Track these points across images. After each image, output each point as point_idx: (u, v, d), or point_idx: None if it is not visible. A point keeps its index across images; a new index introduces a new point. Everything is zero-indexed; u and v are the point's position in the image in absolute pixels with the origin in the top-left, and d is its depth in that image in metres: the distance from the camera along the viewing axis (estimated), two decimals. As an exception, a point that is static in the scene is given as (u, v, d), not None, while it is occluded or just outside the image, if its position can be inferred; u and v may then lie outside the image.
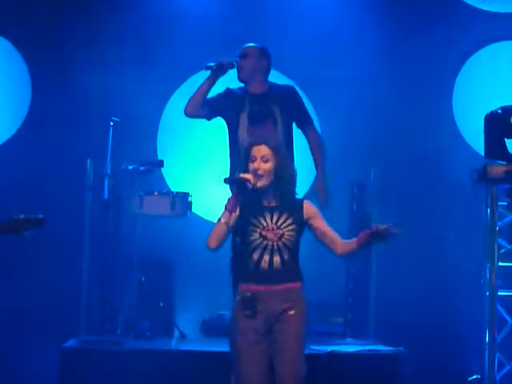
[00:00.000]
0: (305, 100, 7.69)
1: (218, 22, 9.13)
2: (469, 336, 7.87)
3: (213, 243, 5.64)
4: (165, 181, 8.95)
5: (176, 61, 9.06)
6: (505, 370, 7.34)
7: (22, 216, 5.37)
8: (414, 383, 7.30)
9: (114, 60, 8.93)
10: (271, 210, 5.66)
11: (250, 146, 5.72)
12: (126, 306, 7.97)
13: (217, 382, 6.86)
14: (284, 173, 5.70)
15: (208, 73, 7.23)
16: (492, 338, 7.30)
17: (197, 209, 8.43)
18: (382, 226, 5.51)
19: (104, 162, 7.99)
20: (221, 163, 7.57)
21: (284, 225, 5.59)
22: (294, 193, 5.78)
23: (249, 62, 7.28)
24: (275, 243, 5.63)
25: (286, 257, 5.63)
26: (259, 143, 5.70)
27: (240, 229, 5.66)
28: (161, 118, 9.28)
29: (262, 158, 5.60)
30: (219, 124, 7.57)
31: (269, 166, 5.57)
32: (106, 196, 7.89)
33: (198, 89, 7.31)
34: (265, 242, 5.60)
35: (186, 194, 8.27)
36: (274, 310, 5.51)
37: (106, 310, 7.80)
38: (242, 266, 5.72)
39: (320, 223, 5.72)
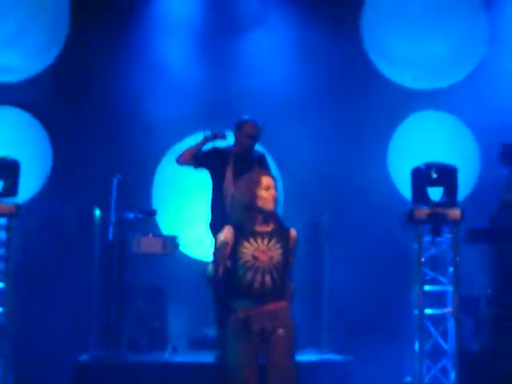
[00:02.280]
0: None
1: (207, 92, 8.99)
2: (403, 345, 7.62)
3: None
4: (158, 225, 8.90)
5: (169, 125, 8.93)
6: (432, 373, 7.38)
7: None
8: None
9: (117, 125, 8.87)
10: (263, 235, 5.48)
11: (260, 175, 5.58)
12: (128, 326, 7.99)
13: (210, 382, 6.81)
14: (278, 202, 5.60)
15: (201, 135, 7.41)
16: (421, 347, 7.36)
17: (183, 248, 8.45)
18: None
19: (108, 211, 7.97)
20: (202, 210, 7.53)
21: (273, 248, 5.44)
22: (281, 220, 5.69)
23: (253, 142, 7.41)
24: (266, 265, 5.45)
25: (275, 277, 5.44)
26: (267, 174, 5.63)
27: (233, 251, 5.48)
28: (155, 173, 9.22)
29: (272, 186, 5.49)
30: (201, 179, 7.64)
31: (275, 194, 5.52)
32: (110, 238, 7.94)
33: (191, 146, 7.41)
34: (257, 264, 5.43)
35: (175, 237, 8.32)
36: (265, 329, 5.37)
37: (111, 330, 7.83)
38: (235, 286, 5.50)
39: (290, 259, 5.57)
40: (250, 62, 9.12)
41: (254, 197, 5.40)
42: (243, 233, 5.42)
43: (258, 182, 5.47)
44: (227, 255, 5.42)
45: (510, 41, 9.19)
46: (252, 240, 5.40)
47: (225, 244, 5.39)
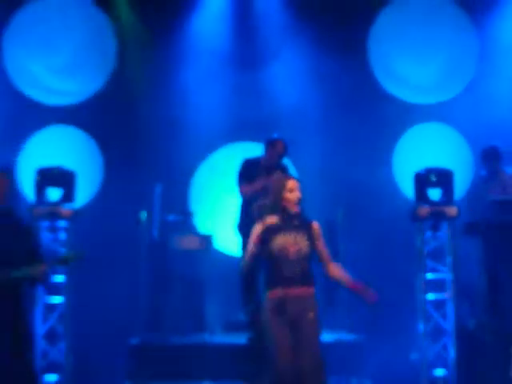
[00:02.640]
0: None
1: (235, 112, 9.14)
2: (409, 326, 7.78)
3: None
4: (195, 225, 8.99)
5: (204, 139, 9.10)
6: (434, 350, 7.47)
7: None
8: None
9: (159, 139, 9.04)
10: (291, 230, 5.54)
11: (286, 179, 5.66)
12: (171, 312, 8.05)
13: (235, 362, 6.98)
14: (301, 201, 5.65)
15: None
16: (424, 327, 7.52)
17: (216, 245, 8.55)
18: (366, 291, 5.47)
19: (153, 214, 8.30)
20: (233, 212, 7.73)
21: (301, 240, 5.51)
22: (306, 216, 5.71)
23: (282, 158, 7.57)
24: (295, 256, 5.50)
25: (304, 266, 5.51)
26: (291, 178, 5.71)
27: (266, 246, 5.53)
28: (192, 180, 9.40)
29: (296, 188, 5.56)
30: (232, 185, 7.75)
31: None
32: (155, 237, 8.28)
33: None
34: (288, 256, 5.49)
35: (210, 235, 8.39)
36: (296, 312, 5.41)
37: (157, 315, 7.99)
38: (270, 276, 5.57)
39: (320, 245, 5.59)
40: (272, 87, 9.18)
41: (280, 198, 5.52)
42: (273, 229, 5.49)
43: (283, 186, 5.56)
44: (258, 248, 5.52)
45: (497, 60, 9.25)
46: (282, 235, 5.47)
47: (256, 238, 5.51)
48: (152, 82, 9.17)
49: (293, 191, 5.57)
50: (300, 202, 5.59)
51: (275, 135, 7.65)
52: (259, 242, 5.52)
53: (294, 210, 5.55)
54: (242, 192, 7.50)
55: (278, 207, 5.54)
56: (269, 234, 5.50)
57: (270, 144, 7.58)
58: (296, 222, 5.58)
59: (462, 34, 9.45)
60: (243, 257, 5.80)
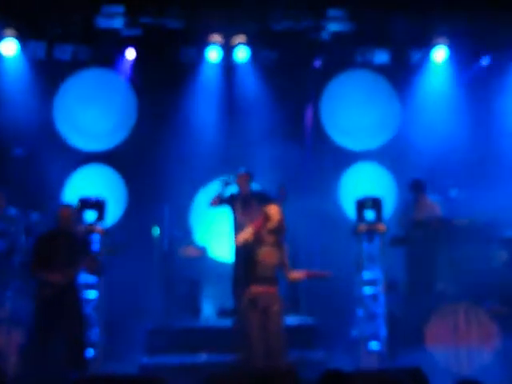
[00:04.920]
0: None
1: (224, 148, 8.89)
2: (351, 312, 7.57)
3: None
4: (194, 239, 8.93)
5: (202, 170, 8.92)
6: (370, 330, 7.33)
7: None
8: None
9: (167, 172, 8.73)
10: (266, 245, 5.44)
11: (264, 214, 5.52)
12: (177, 303, 8.07)
13: (224, 339, 6.86)
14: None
15: (219, 184, 7.42)
16: (363, 313, 7.37)
17: (211, 253, 8.58)
18: (321, 273, 5.54)
19: (163, 229, 8.31)
20: (224, 229, 7.71)
21: (272, 254, 5.44)
22: None
23: (247, 185, 7.49)
24: (268, 263, 5.46)
25: (272, 271, 5.45)
26: (268, 207, 5.58)
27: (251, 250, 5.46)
28: (193, 203, 9.24)
29: (272, 214, 5.49)
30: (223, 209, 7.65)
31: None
32: (165, 247, 8.26)
33: (216, 195, 7.39)
34: (263, 263, 5.43)
35: (205, 247, 8.47)
36: (266, 303, 5.37)
37: (167, 305, 7.94)
38: (254, 273, 5.49)
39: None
40: (248, 133, 8.89)
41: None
42: (256, 244, 5.46)
43: (265, 219, 5.49)
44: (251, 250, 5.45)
45: (414, 117, 9.12)
46: (266, 248, 5.46)
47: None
48: (163, 130, 8.98)
49: (270, 218, 5.51)
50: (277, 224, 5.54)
51: (240, 169, 7.57)
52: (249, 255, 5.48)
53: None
54: (211, 204, 7.45)
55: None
56: (253, 247, 5.44)
57: (237, 177, 7.53)
58: (272, 238, 5.51)
59: (388, 99, 9.39)
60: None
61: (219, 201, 7.44)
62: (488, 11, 7.38)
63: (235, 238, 5.75)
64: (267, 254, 5.49)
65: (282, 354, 5.36)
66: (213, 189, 7.85)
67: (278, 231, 5.54)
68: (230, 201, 7.54)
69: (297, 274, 5.61)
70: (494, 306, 7.05)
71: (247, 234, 5.48)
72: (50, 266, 6.09)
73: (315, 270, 5.68)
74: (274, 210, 5.54)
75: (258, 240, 5.49)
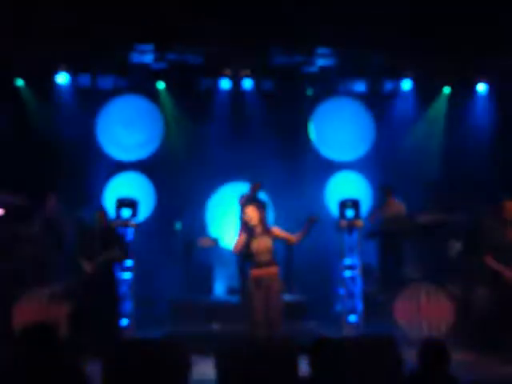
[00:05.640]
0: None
1: (231, 158, 8.62)
2: (334, 290, 7.68)
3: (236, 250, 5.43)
4: (209, 232, 8.80)
5: (215, 176, 8.80)
6: (348, 305, 7.24)
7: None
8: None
9: (188, 178, 8.62)
10: (261, 234, 5.37)
11: (246, 208, 5.49)
12: (196, 282, 7.93)
13: (232, 312, 6.87)
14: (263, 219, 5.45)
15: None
16: (344, 291, 7.30)
17: (222, 243, 8.40)
18: (310, 222, 5.25)
19: (184, 225, 8.35)
20: (234, 225, 7.54)
21: (267, 240, 5.37)
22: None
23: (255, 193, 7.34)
24: (265, 249, 5.36)
25: (271, 255, 5.37)
26: (252, 205, 5.55)
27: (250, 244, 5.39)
28: (208, 203, 9.07)
29: (257, 211, 5.41)
30: (234, 208, 7.64)
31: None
32: (186, 238, 8.29)
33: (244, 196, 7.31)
34: (261, 250, 5.37)
35: (217, 238, 8.36)
36: (267, 283, 5.27)
37: (187, 284, 7.91)
38: (251, 260, 5.43)
39: (280, 234, 5.41)
40: (252, 150, 8.67)
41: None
42: (253, 235, 5.43)
43: (245, 220, 5.44)
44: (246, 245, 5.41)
45: (386, 135, 8.98)
46: (257, 239, 5.40)
47: (242, 239, 5.41)
48: (184, 145, 8.89)
49: (254, 215, 5.42)
50: (261, 219, 5.44)
51: (255, 181, 7.59)
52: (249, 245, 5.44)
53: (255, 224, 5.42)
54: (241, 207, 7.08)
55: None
56: (250, 237, 5.40)
57: (251, 186, 7.59)
58: (261, 228, 5.46)
59: (365, 120, 9.25)
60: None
61: (246, 201, 7.21)
62: (448, 51, 7.43)
63: (233, 247, 5.58)
64: (260, 243, 5.41)
65: (280, 324, 5.30)
66: (242, 191, 7.71)
67: (261, 223, 5.45)
68: (240, 200, 7.51)
69: (298, 235, 5.45)
70: (450, 288, 6.97)
71: (236, 243, 5.45)
72: (89, 254, 6.19)
73: (304, 228, 5.41)
74: (249, 211, 5.46)
75: (250, 234, 5.41)
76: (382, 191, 8.12)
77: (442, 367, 3.47)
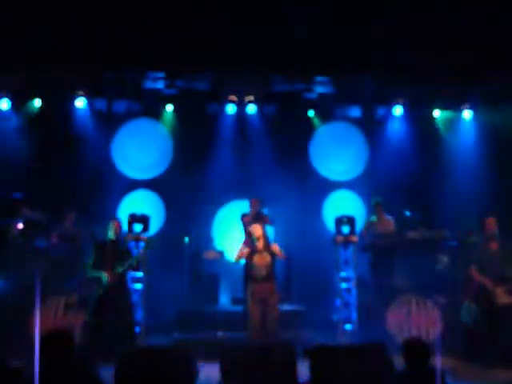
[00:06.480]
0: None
1: (237, 177, 8.62)
2: (331, 301, 7.57)
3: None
4: (215, 245, 8.74)
5: (222, 193, 8.75)
6: (345, 314, 7.25)
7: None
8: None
9: (197, 197, 8.58)
10: (261, 251, 5.43)
11: (252, 227, 5.64)
12: (201, 292, 7.90)
13: (235, 321, 6.82)
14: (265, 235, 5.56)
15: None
16: (340, 302, 7.36)
17: (227, 256, 8.35)
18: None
19: (191, 239, 8.22)
20: (238, 238, 7.45)
21: (266, 256, 5.45)
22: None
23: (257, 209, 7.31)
24: (264, 264, 5.51)
25: (269, 271, 5.46)
26: (256, 224, 5.68)
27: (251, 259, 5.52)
28: (215, 218, 9.08)
29: (260, 230, 5.56)
30: (238, 223, 7.60)
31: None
32: (193, 251, 8.15)
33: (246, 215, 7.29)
34: (260, 264, 5.51)
35: (222, 251, 8.34)
36: (264, 296, 5.42)
37: (194, 294, 7.83)
38: (250, 275, 5.61)
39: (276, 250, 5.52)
40: (255, 169, 8.70)
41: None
42: (254, 250, 5.67)
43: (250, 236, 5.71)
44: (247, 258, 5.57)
45: (379, 157, 9.04)
46: (257, 254, 5.59)
47: (244, 252, 5.60)
48: (193, 164, 8.80)
49: (257, 232, 5.60)
50: (262, 236, 5.60)
51: (253, 197, 7.56)
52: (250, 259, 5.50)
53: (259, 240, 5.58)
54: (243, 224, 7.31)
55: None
56: (251, 253, 5.49)
57: (250, 202, 7.52)
58: (262, 245, 5.60)
59: (359, 143, 9.32)
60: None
61: (252, 218, 7.21)
62: (434, 80, 7.53)
63: (234, 257, 5.71)
64: (260, 259, 5.57)
65: (277, 335, 5.42)
66: (244, 208, 7.70)
67: (263, 239, 5.63)
68: (242, 218, 7.58)
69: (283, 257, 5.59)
70: (438, 298, 7.00)
71: (238, 253, 5.57)
72: (103, 265, 6.23)
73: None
74: (254, 228, 5.64)
75: (252, 249, 5.58)
76: (374, 208, 8.11)
77: (424, 361, 3.58)
